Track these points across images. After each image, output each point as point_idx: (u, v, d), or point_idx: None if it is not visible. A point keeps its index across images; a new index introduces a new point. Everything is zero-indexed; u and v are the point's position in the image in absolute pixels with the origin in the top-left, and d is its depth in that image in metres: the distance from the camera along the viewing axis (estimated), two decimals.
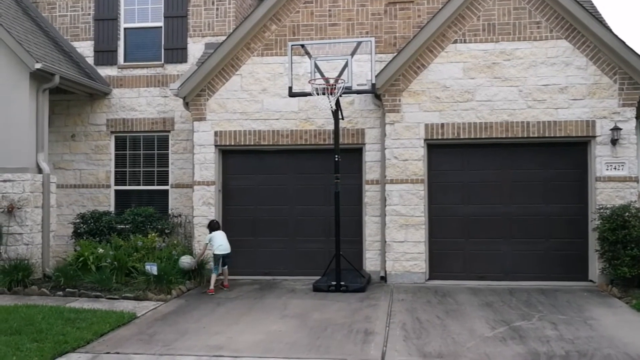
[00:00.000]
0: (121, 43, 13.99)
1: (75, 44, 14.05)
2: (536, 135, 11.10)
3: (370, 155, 11.88)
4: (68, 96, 13.51)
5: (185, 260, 11.06)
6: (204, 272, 11.41)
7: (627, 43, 10.73)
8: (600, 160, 10.92)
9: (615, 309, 9.01)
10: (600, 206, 10.68)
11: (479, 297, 9.87)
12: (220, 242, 10.79)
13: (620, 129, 10.74)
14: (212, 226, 11.06)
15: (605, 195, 10.84)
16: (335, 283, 10.43)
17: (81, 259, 10.84)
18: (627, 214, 10.18)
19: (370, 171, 11.86)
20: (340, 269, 10.59)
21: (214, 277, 10.65)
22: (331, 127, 11.32)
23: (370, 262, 11.81)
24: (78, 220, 12.92)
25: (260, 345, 7.13)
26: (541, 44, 11.14)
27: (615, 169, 10.88)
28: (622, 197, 10.74)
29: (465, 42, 11.33)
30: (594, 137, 10.96)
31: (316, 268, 11.47)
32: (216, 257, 10.73)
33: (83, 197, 13.80)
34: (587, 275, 11.13)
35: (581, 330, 7.73)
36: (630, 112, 10.83)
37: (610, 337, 7.37)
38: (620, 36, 10.94)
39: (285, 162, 12.27)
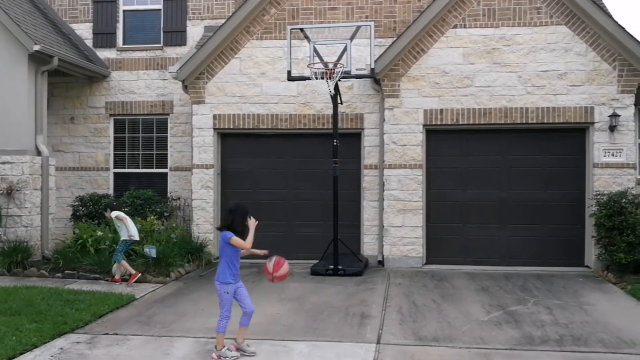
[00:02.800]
0: (120, 25, 13.94)
1: (74, 26, 14.00)
2: (535, 121, 11.11)
3: (369, 140, 11.89)
4: (67, 79, 13.49)
5: None
6: (203, 255, 11.47)
7: (627, 30, 10.71)
8: (599, 146, 10.94)
9: (610, 294, 9.08)
10: (598, 192, 10.72)
11: (476, 281, 9.94)
12: None
13: (619, 116, 10.75)
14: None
15: (602, 182, 10.88)
16: (332, 267, 10.49)
17: (80, 241, 10.88)
18: (623, 200, 10.22)
19: (369, 156, 11.88)
20: (338, 253, 10.65)
21: None
22: (330, 111, 11.32)
23: (368, 247, 11.87)
24: (77, 203, 12.96)
25: (258, 327, 7.17)
26: (541, 29, 11.11)
27: (613, 155, 10.90)
28: (620, 184, 10.78)
29: (465, 27, 11.30)
30: (593, 123, 10.97)
31: (314, 252, 11.52)
32: None
33: (82, 180, 13.82)
34: (584, 261, 11.20)
35: (576, 315, 7.80)
36: (629, 99, 10.83)
37: (605, 322, 7.44)
38: (620, 23, 10.89)
39: (284, 146, 12.28)
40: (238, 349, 6.13)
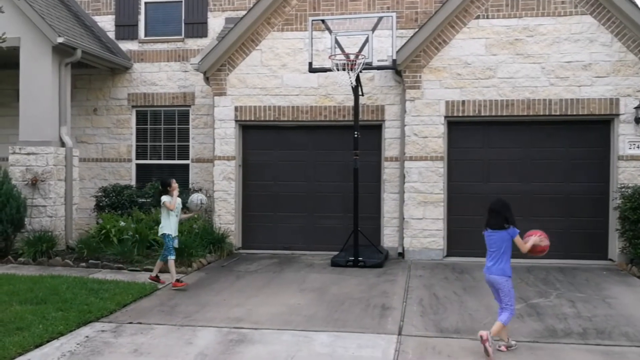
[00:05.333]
0: (142, 17, 14.03)
1: (97, 18, 14.13)
2: (558, 113, 10.98)
3: (389, 132, 11.85)
4: (90, 70, 13.63)
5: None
6: (224, 245, 11.55)
7: None
8: (624, 138, 10.79)
9: (634, 287, 8.98)
10: (622, 185, 10.58)
11: None
12: None
13: None
14: None
15: (627, 174, 10.73)
16: (353, 258, 10.51)
17: (103, 231, 11.03)
18: None
19: (390, 148, 11.85)
20: (358, 244, 10.66)
21: None
22: (351, 103, 11.30)
23: (388, 239, 11.86)
24: (100, 194, 13.12)
25: (279, 318, 7.24)
26: (565, 19, 10.96)
27: (638, 147, 10.75)
28: None
29: (487, 17, 11.19)
30: (618, 115, 10.82)
31: (334, 243, 11.54)
32: None
33: (105, 171, 13.99)
34: (607, 254, 11.08)
35: (599, 308, 7.73)
36: None
37: (629, 315, 7.37)
38: None
39: (305, 138, 12.30)
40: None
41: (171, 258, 8.83)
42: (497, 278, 6.14)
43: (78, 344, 6.27)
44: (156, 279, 8.96)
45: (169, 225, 8.83)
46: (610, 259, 10.97)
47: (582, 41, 10.91)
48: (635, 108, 10.62)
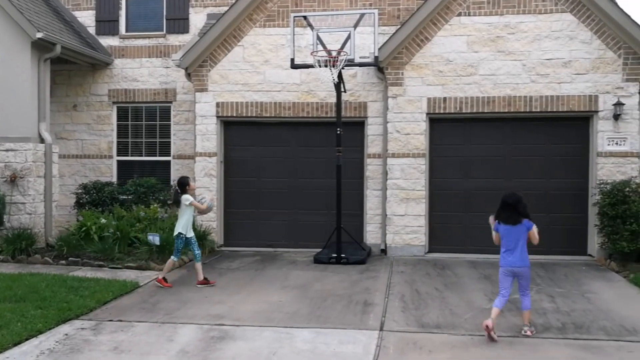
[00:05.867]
0: (123, 13, 13.89)
1: (77, 13, 13.97)
2: (539, 110, 11.08)
3: (372, 129, 11.87)
4: (70, 66, 13.47)
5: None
6: (206, 243, 11.50)
7: (633, 17, 10.64)
8: (602, 135, 10.91)
9: (613, 282, 9.09)
10: (601, 181, 10.70)
11: (478, 270, 9.97)
12: None
13: (623, 104, 10.71)
14: None
15: (606, 171, 10.86)
16: (335, 255, 10.52)
17: (84, 228, 10.93)
18: (627, 189, 10.21)
19: (372, 145, 11.87)
20: (341, 241, 10.67)
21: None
22: (333, 99, 11.30)
23: (371, 235, 11.89)
24: (80, 191, 12.98)
25: (261, 315, 7.23)
26: (546, 17, 11.04)
27: (617, 144, 10.88)
28: (623, 173, 10.76)
29: (469, 15, 11.24)
30: (597, 112, 10.94)
31: (317, 240, 11.54)
32: None
33: (85, 168, 13.85)
34: (587, 249, 11.21)
35: (578, 303, 7.82)
36: (634, 88, 10.78)
37: (607, 310, 7.46)
38: (625, 10, 10.83)
39: (287, 135, 12.27)
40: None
41: (174, 259, 8.89)
42: (523, 269, 6.50)
43: (57, 341, 6.21)
44: (205, 281, 8.81)
45: (185, 225, 8.75)
46: (590, 255, 11.10)
47: (562, 39, 11.01)
48: (613, 105, 10.74)
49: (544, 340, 6.29)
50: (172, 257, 8.92)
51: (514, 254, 6.50)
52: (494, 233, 6.77)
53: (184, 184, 8.86)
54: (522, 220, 6.50)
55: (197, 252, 8.89)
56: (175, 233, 8.82)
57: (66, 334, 6.46)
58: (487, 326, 6.17)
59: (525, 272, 6.52)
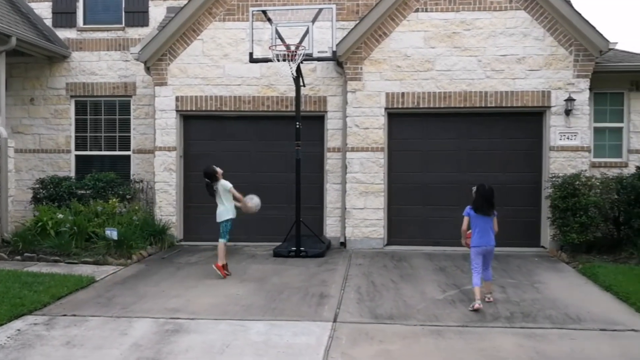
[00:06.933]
0: (80, 5, 13.69)
1: (33, 5, 13.72)
2: (494, 105, 11.33)
3: (332, 123, 11.97)
4: (26, 59, 13.22)
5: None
6: (165, 237, 11.47)
7: (584, 15, 10.94)
8: (555, 130, 11.22)
9: (562, 273, 9.39)
10: (553, 175, 11.01)
11: (434, 261, 10.17)
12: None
13: (574, 100, 11.02)
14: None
15: (558, 164, 11.17)
16: (295, 249, 10.61)
17: (40, 224, 10.77)
18: (577, 182, 10.53)
19: (332, 139, 11.97)
20: (301, 235, 10.76)
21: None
22: (293, 93, 11.34)
23: (331, 229, 12.01)
24: (37, 186, 12.80)
25: (217, 308, 7.28)
26: (500, 14, 11.29)
27: (568, 138, 11.20)
28: (574, 166, 11.09)
29: (426, 10, 11.41)
30: (549, 107, 11.24)
31: (278, 234, 11.61)
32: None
33: (43, 162, 13.63)
34: (540, 241, 11.53)
35: (528, 293, 8.06)
36: (584, 84, 11.11)
37: (554, 299, 7.72)
38: (577, 8, 11.13)
39: (247, 128, 12.29)
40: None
41: (223, 241, 9.00)
42: (492, 248, 7.55)
43: (9, 337, 6.16)
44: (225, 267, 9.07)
45: (231, 209, 9.00)
46: (543, 246, 11.42)
47: (517, 35, 11.27)
48: (565, 100, 11.05)
49: (492, 329, 6.49)
50: (222, 240, 8.98)
51: (487, 236, 7.46)
52: (465, 218, 7.63)
53: (212, 173, 9.04)
54: (494, 210, 7.58)
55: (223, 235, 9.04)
56: (224, 219, 8.95)
57: (18, 330, 6.41)
58: (478, 308, 7.10)
59: (492, 250, 7.60)
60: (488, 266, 7.60)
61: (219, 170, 9.14)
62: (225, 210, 9.03)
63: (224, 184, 9.02)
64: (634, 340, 6.14)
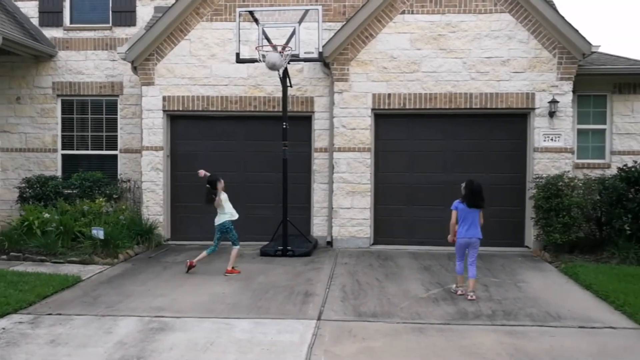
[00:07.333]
0: (67, 4, 13.66)
1: (20, 4, 13.68)
2: (478, 106, 11.45)
3: (319, 124, 12.04)
4: (12, 58, 13.18)
5: None
6: (152, 237, 11.49)
7: (567, 19, 11.10)
8: (539, 131, 11.36)
9: (545, 272, 9.52)
10: (537, 175, 11.15)
11: (419, 261, 10.27)
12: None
13: (558, 102, 11.17)
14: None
15: (542, 165, 11.31)
16: (282, 248, 10.67)
17: (26, 223, 10.76)
18: (560, 183, 10.67)
19: (319, 139, 12.04)
20: (288, 234, 10.82)
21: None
22: (280, 94, 11.39)
23: (318, 228, 12.08)
24: (24, 185, 12.77)
25: (203, 306, 7.33)
26: (485, 17, 11.41)
27: (552, 140, 11.34)
28: (558, 167, 11.23)
29: (412, 13, 11.51)
30: (533, 109, 11.37)
31: (265, 234, 11.65)
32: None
33: (29, 162, 13.59)
34: (524, 241, 11.66)
35: (510, 292, 8.17)
36: (568, 86, 11.26)
37: (536, 298, 7.83)
38: (561, 12, 11.29)
39: (235, 129, 12.33)
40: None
41: (237, 247, 9.40)
42: (477, 240, 7.92)
43: None
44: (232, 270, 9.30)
45: (230, 212, 9.33)
46: (527, 246, 11.56)
47: (501, 38, 11.40)
48: (549, 102, 11.19)
49: (473, 327, 6.59)
50: (236, 246, 9.36)
51: (474, 229, 7.91)
52: (453, 212, 8.00)
53: (214, 182, 9.22)
54: (483, 203, 8.02)
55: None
56: (222, 222, 9.28)
57: (3, 328, 6.42)
58: (460, 292, 7.88)
59: (477, 243, 7.94)
60: (473, 262, 7.89)
61: (221, 181, 9.35)
62: (222, 217, 9.34)
63: (224, 198, 9.32)
64: (611, 337, 6.26)
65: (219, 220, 9.33)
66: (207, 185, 9.27)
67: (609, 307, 7.36)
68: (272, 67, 9.99)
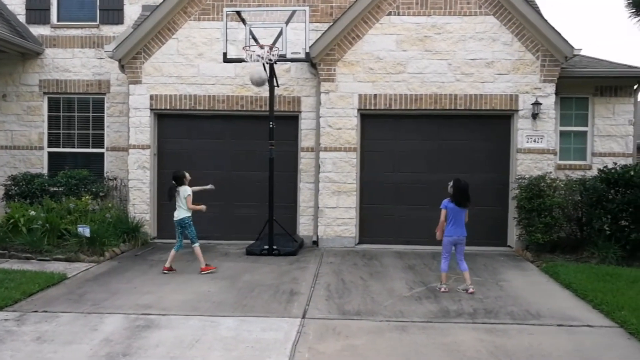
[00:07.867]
0: (54, 1, 13.66)
1: (6, 0, 13.63)
2: (463, 107, 11.60)
3: (305, 123, 12.13)
4: None
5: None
6: (139, 235, 11.53)
7: (550, 22, 11.27)
8: (522, 133, 11.53)
9: (526, 272, 9.68)
10: (520, 176, 11.32)
11: (404, 260, 10.40)
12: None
13: (541, 104, 11.34)
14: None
15: (525, 166, 11.48)
16: (267, 247, 10.74)
17: (12, 220, 10.74)
18: (542, 184, 10.84)
19: (306, 139, 12.13)
20: (274, 233, 10.89)
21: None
22: (267, 93, 11.48)
23: (304, 227, 12.17)
24: (9, 182, 12.76)
25: (188, 304, 7.40)
26: (470, 19, 11.56)
27: (535, 141, 11.51)
28: (540, 168, 11.41)
29: (399, 14, 11.63)
30: (517, 110, 11.54)
31: (251, 232, 11.72)
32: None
33: (15, 159, 13.57)
34: (506, 241, 11.83)
35: (492, 290, 8.32)
36: (550, 88, 11.44)
37: (517, 296, 7.98)
38: (544, 15, 11.47)
39: (222, 128, 12.39)
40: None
41: (197, 245, 9.29)
42: (464, 238, 8.26)
43: None
44: (207, 267, 9.29)
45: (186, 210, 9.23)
46: (509, 246, 11.73)
47: (486, 40, 11.55)
48: (532, 104, 11.36)
49: (454, 325, 6.71)
50: (195, 244, 9.27)
51: (460, 227, 8.22)
52: (443, 211, 8.26)
53: (180, 177, 9.15)
54: (469, 202, 8.28)
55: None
56: (181, 218, 9.19)
57: None
58: (445, 291, 8.10)
59: (464, 241, 8.30)
60: (462, 257, 8.27)
61: (187, 175, 9.31)
62: (181, 213, 9.25)
63: (184, 190, 9.16)
64: (588, 335, 6.42)
65: (178, 215, 9.25)
66: (173, 182, 9.24)
67: (587, 306, 7.52)
68: (258, 82, 10.20)
